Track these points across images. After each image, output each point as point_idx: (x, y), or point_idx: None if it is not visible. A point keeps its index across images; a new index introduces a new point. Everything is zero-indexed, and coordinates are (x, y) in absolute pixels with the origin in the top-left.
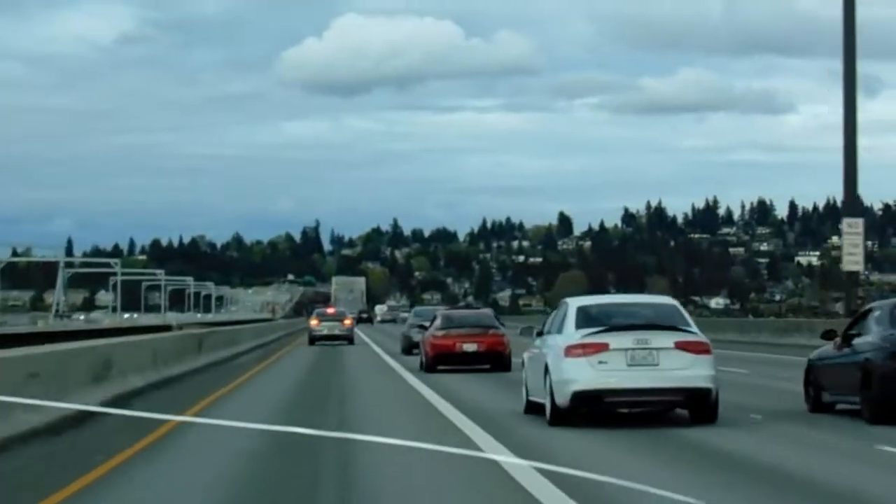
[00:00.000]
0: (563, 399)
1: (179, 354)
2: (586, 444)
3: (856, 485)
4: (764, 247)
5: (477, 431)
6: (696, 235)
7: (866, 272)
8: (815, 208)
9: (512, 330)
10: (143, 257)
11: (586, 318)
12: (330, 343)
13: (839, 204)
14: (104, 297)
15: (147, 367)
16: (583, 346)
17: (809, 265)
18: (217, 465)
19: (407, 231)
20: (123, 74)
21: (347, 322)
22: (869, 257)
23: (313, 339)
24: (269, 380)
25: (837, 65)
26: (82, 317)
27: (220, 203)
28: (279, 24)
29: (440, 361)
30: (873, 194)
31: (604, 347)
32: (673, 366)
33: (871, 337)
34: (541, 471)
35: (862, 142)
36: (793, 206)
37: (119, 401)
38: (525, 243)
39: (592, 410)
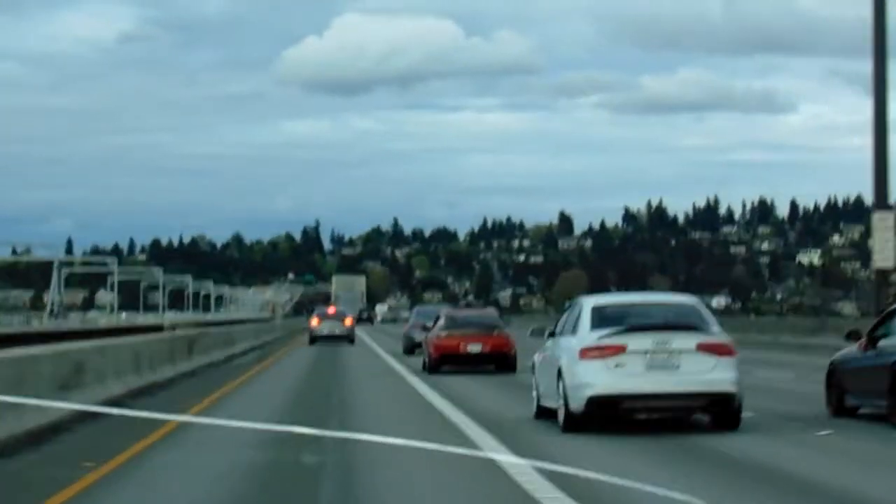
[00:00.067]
0: (577, 404)
1: (167, 357)
2: (601, 451)
3: (892, 496)
4: (765, 246)
5: (487, 440)
6: (697, 235)
7: (866, 271)
8: (816, 208)
9: (517, 330)
10: (143, 257)
11: (602, 318)
12: (330, 343)
13: (840, 203)
14: (104, 296)
15: (128, 371)
16: (599, 348)
17: (811, 264)
18: (198, 487)
19: (407, 230)
20: (123, 74)
21: (348, 322)
22: (870, 256)
23: (314, 339)
24: (265, 383)
25: (838, 64)
26: (79, 316)
27: (221, 203)
28: (279, 23)
29: (444, 362)
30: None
31: (621, 350)
32: (694, 369)
33: None
34: (551, 475)
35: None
36: (794, 205)
37: (90, 413)
38: (525, 242)
39: (608, 416)
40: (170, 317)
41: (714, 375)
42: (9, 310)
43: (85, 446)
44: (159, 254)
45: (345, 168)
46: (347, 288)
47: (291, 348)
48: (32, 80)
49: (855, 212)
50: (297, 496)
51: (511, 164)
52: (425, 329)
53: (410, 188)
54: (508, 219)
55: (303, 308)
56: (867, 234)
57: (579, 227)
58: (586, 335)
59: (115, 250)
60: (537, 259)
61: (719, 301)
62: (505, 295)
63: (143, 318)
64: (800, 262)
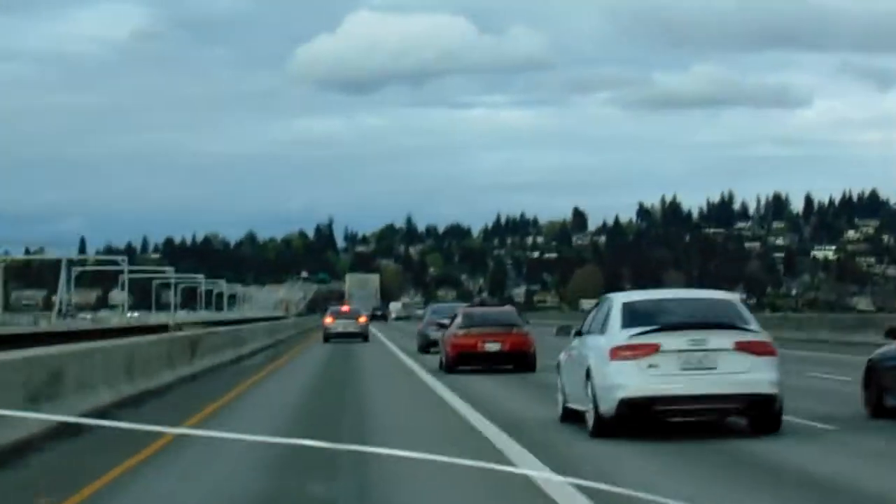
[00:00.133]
0: (608, 407)
1: (166, 360)
2: (635, 459)
3: None
4: (779, 241)
5: (514, 448)
6: (711, 230)
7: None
8: (831, 202)
9: (536, 328)
10: (157, 255)
11: (633, 315)
12: (344, 341)
13: (855, 198)
14: (117, 295)
15: (118, 378)
16: (631, 347)
17: (826, 259)
18: None
19: (421, 227)
20: (136, 73)
21: (362, 319)
22: (886, 251)
23: (328, 337)
24: (274, 387)
25: (851, 58)
26: (89, 316)
27: (234, 201)
28: (292, 21)
29: (462, 361)
30: (891, 190)
31: (654, 349)
32: (732, 369)
33: None
34: (582, 489)
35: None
36: (808, 200)
37: (68, 426)
38: (539, 239)
39: (640, 420)
40: (181, 316)
41: (753, 376)
42: (21, 309)
43: (50, 472)
44: (172, 252)
45: (358, 165)
46: (361, 286)
47: (304, 347)
48: (45, 79)
49: (870, 206)
50: None
51: (524, 160)
52: (441, 327)
53: (424, 185)
54: (522, 215)
55: (317, 306)
56: (882, 228)
57: (593, 223)
58: (617, 334)
59: (129, 249)
60: (551, 255)
61: None
62: (519, 292)
63: (154, 318)
64: (815, 257)
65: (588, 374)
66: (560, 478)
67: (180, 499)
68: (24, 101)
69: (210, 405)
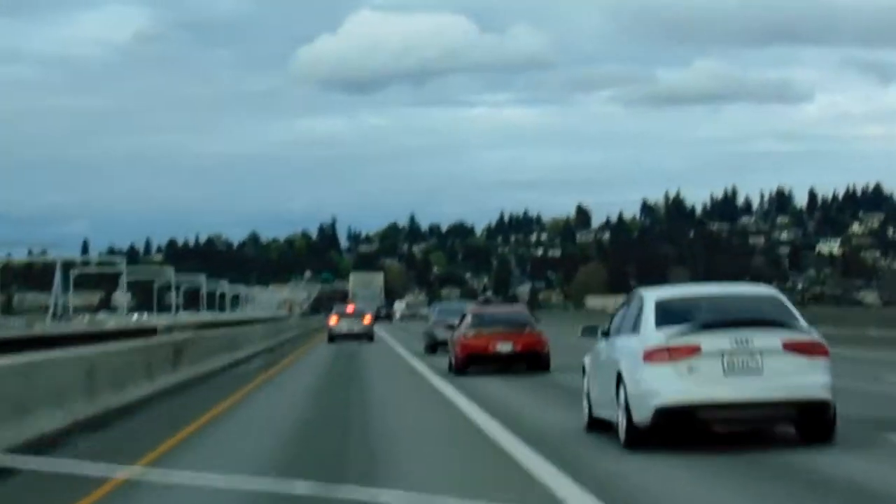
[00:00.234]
0: (643, 416)
1: (142, 370)
2: (674, 472)
3: None
4: (784, 236)
5: (539, 465)
6: (716, 226)
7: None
8: (835, 196)
9: (547, 327)
10: (160, 257)
11: (668, 313)
12: (349, 341)
13: (859, 192)
14: (120, 297)
15: (74, 395)
16: (668, 349)
17: (831, 254)
18: None
19: (424, 226)
20: (139, 74)
21: (367, 319)
22: (891, 245)
23: (333, 337)
24: (268, 398)
25: (853, 53)
26: (86, 318)
27: (237, 201)
28: (294, 21)
29: (472, 363)
30: (894, 184)
31: (694, 351)
32: (781, 372)
33: None
34: None
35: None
36: (812, 194)
37: None
38: (543, 236)
39: (679, 430)
40: (183, 317)
41: (804, 379)
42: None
43: None
44: (175, 253)
45: (360, 165)
46: (365, 285)
47: (306, 350)
48: (48, 81)
49: (874, 200)
50: None
51: (527, 158)
52: (450, 327)
53: (426, 184)
54: (525, 213)
55: (321, 306)
56: (887, 222)
57: (597, 220)
58: (651, 334)
59: (132, 251)
60: (555, 253)
61: None
62: (523, 290)
63: (156, 319)
64: (819, 252)
65: (619, 380)
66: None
67: None
68: (27, 102)
69: (185, 428)
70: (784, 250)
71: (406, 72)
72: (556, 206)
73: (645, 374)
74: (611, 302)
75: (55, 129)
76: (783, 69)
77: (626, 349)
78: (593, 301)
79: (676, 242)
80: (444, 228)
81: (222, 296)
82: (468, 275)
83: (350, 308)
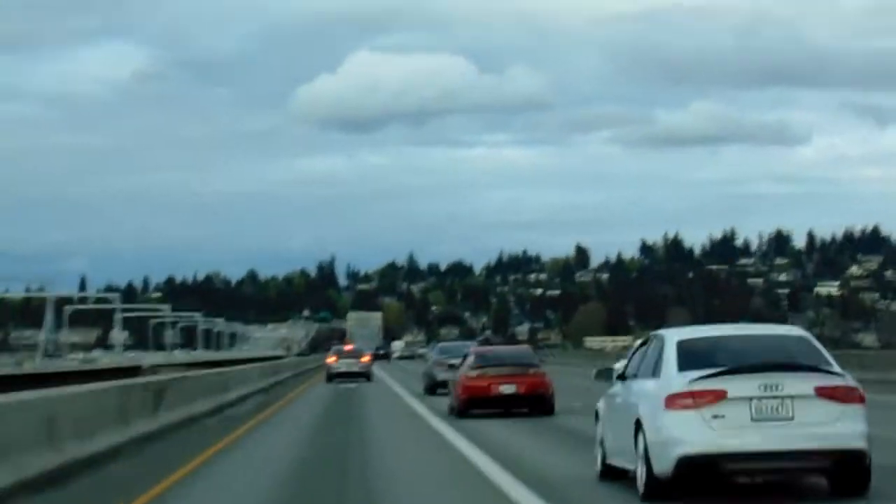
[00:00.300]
0: (664, 466)
1: (117, 415)
2: None
3: None
4: (782, 277)
5: None
6: (714, 266)
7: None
8: (833, 239)
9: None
10: (158, 295)
11: (690, 356)
12: (346, 381)
13: (857, 234)
14: (118, 335)
15: (29, 446)
16: (691, 394)
17: (829, 295)
18: None
19: (423, 265)
20: (138, 113)
21: (365, 359)
22: (890, 287)
23: (331, 377)
24: (254, 450)
25: (850, 96)
26: (80, 356)
27: (235, 240)
28: (293, 61)
29: (474, 405)
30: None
31: (720, 396)
32: (814, 419)
33: None
34: None
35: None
36: (811, 236)
37: None
38: (542, 276)
39: (703, 481)
40: (178, 355)
41: (839, 428)
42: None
43: None
44: (173, 291)
45: (359, 204)
46: (363, 325)
47: (302, 391)
48: (48, 119)
49: (872, 242)
50: None
51: (525, 198)
52: (451, 367)
53: (425, 223)
54: (524, 252)
55: (319, 345)
56: (885, 264)
57: (596, 260)
58: (673, 378)
59: (130, 288)
60: (554, 293)
61: None
62: (522, 329)
63: (151, 357)
64: (818, 294)
65: (637, 427)
66: None
67: None
68: (28, 140)
69: (160, 481)
70: (783, 292)
71: (405, 112)
72: (555, 246)
73: (666, 421)
74: (609, 342)
75: (55, 167)
76: (781, 111)
77: (646, 394)
78: (591, 342)
79: (675, 283)
80: (442, 267)
81: (219, 334)
82: (467, 314)
83: (348, 347)
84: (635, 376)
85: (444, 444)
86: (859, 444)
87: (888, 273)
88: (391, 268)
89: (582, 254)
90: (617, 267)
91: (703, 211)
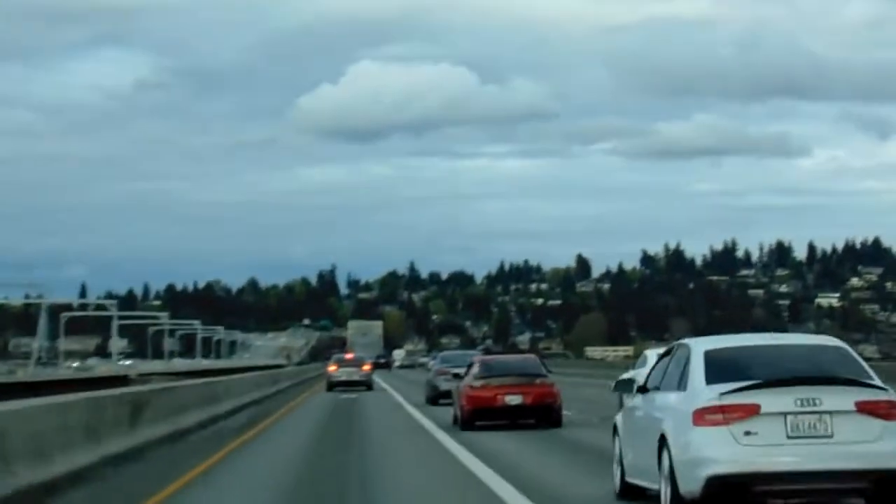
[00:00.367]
0: (691, 486)
1: (84, 432)
2: None
3: None
4: (783, 288)
5: None
6: (715, 277)
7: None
8: (834, 250)
9: (562, 377)
10: (158, 302)
11: (719, 367)
12: (346, 391)
13: (858, 246)
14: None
15: None
16: (722, 408)
17: (830, 307)
18: None
19: (424, 274)
20: (139, 122)
21: (366, 367)
22: (890, 298)
23: (331, 385)
24: (242, 469)
25: (851, 108)
26: (75, 364)
27: (236, 248)
28: (294, 71)
29: (479, 417)
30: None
31: (753, 411)
32: (854, 437)
33: None
34: None
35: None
36: (811, 248)
37: None
38: (543, 286)
39: (733, 501)
40: (178, 364)
41: (882, 446)
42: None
43: None
44: (174, 299)
45: (361, 213)
46: (364, 333)
47: (301, 402)
48: (48, 127)
49: (873, 254)
50: None
51: (527, 209)
52: (455, 377)
53: (426, 233)
54: (525, 262)
55: (319, 354)
56: (886, 276)
57: (597, 271)
58: (701, 391)
59: (130, 296)
60: (555, 302)
61: None
62: (523, 339)
63: (149, 366)
64: (819, 305)
65: (662, 443)
66: None
67: None
68: (28, 148)
69: None
70: (783, 303)
71: (407, 122)
72: (556, 257)
73: (694, 438)
74: (610, 352)
75: (56, 175)
76: (782, 123)
77: (671, 408)
78: (592, 352)
79: (676, 294)
80: (444, 276)
81: (218, 342)
82: (468, 323)
83: (349, 356)
84: (658, 388)
85: (451, 459)
86: None
87: (889, 284)
88: (392, 276)
89: (583, 264)
90: (618, 277)
91: (705, 222)
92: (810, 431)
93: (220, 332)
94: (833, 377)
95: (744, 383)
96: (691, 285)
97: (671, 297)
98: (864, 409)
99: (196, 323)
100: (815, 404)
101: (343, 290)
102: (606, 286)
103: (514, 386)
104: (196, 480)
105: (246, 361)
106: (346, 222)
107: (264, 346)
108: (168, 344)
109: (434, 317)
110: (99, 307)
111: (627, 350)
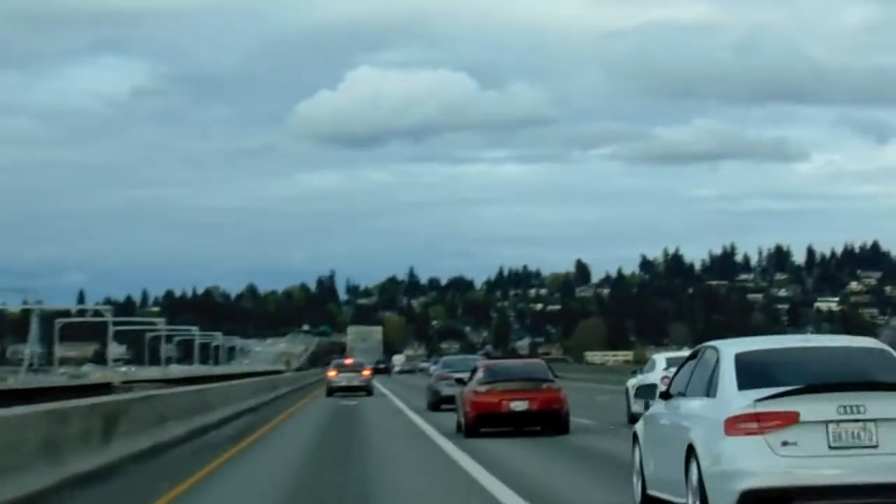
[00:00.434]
0: (724, 501)
1: (43, 448)
2: None
3: None
4: (782, 292)
5: None
6: (714, 282)
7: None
8: (833, 254)
9: (564, 381)
10: (157, 309)
11: (752, 372)
12: (346, 397)
13: (857, 250)
14: (116, 349)
15: None
16: (756, 416)
17: (829, 311)
18: None
19: (423, 280)
20: (137, 128)
21: (366, 373)
22: (889, 302)
23: (331, 391)
24: (239, 481)
25: (849, 112)
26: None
27: (235, 254)
28: (293, 77)
29: (484, 423)
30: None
31: (791, 419)
32: None
33: None
34: None
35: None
36: (810, 252)
37: None
38: (542, 291)
39: None
40: (175, 370)
41: None
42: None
43: None
44: (172, 305)
45: (360, 219)
46: (363, 339)
47: (299, 409)
48: (46, 134)
49: (871, 258)
50: None
51: (526, 214)
52: (457, 382)
53: (426, 238)
54: (525, 267)
55: (318, 359)
56: (885, 280)
57: (596, 276)
58: (734, 397)
59: (128, 302)
60: (555, 307)
61: None
62: (523, 344)
63: (147, 372)
64: (818, 309)
65: (690, 454)
66: None
67: None
68: (26, 155)
69: None
70: (782, 307)
71: (406, 128)
72: (555, 262)
73: (727, 449)
74: (610, 357)
75: (55, 181)
76: (780, 128)
77: (700, 416)
78: (592, 356)
79: (676, 298)
80: (443, 282)
81: (217, 348)
82: (467, 329)
83: (349, 361)
84: (683, 394)
85: (453, 466)
86: None
87: (888, 288)
88: (391, 282)
89: (582, 269)
90: (617, 282)
91: (704, 227)
92: (854, 441)
93: (218, 338)
94: (877, 382)
95: (780, 389)
96: (690, 290)
97: (670, 301)
98: None
99: (193, 329)
100: (858, 412)
101: (342, 295)
102: (606, 291)
103: (519, 391)
104: (181, 497)
105: (244, 367)
106: (346, 228)
107: (263, 352)
108: (165, 350)
109: (433, 322)
110: (96, 313)
111: (627, 355)
